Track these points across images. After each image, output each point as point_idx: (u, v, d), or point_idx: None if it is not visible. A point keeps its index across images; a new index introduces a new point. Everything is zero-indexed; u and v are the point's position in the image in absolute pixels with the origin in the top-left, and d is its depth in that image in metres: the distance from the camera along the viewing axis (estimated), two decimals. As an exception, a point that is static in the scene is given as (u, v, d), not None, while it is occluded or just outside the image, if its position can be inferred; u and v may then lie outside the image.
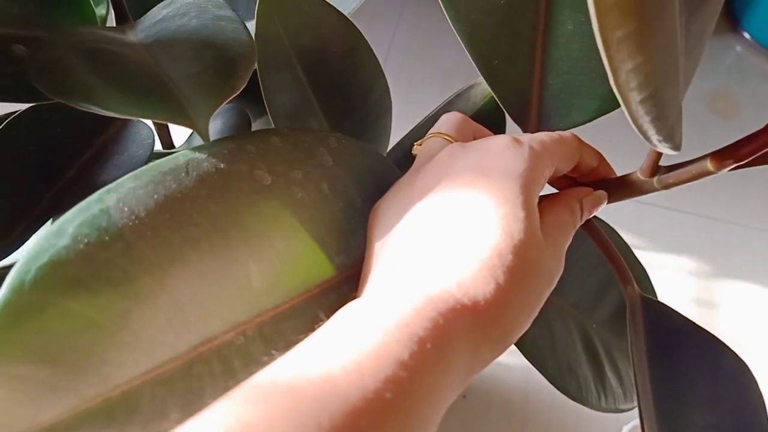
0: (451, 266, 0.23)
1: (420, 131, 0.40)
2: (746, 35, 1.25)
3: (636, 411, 0.32)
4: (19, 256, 0.21)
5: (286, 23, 0.33)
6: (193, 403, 0.22)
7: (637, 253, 0.48)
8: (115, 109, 0.27)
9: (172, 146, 0.51)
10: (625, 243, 0.47)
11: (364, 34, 0.37)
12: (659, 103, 0.17)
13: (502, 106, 0.34)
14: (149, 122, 0.44)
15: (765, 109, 1.16)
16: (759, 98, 1.18)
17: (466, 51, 0.33)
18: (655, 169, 0.28)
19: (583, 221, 0.30)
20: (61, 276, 0.21)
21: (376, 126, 0.40)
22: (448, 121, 0.32)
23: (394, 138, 0.43)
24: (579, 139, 0.30)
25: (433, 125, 0.32)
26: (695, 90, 1.17)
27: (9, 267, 0.21)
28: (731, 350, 0.32)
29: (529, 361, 0.42)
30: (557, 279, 0.26)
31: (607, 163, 0.32)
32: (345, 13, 0.35)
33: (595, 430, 0.79)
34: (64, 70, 0.30)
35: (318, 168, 0.28)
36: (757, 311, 0.93)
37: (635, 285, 0.32)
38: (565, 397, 0.43)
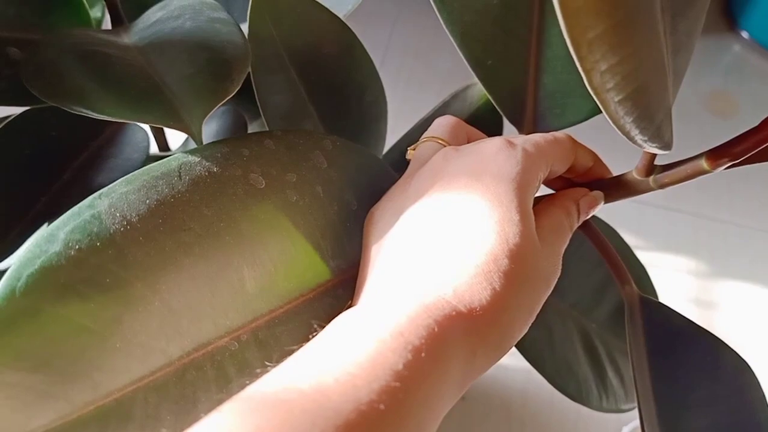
0: (446, 272, 0.23)
1: (417, 133, 0.40)
2: (744, 34, 1.25)
3: (635, 412, 0.32)
4: (14, 261, 0.21)
5: (279, 24, 0.33)
6: (187, 409, 0.22)
7: (637, 253, 0.48)
8: (109, 113, 0.27)
9: (168, 149, 0.51)
10: (625, 243, 0.47)
11: (360, 35, 0.36)
12: (641, 103, 0.17)
13: (497, 106, 0.34)
14: (145, 125, 0.43)
15: (764, 108, 1.16)
16: (757, 97, 1.18)
17: (458, 51, 0.33)
18: (651, 168, 0.28)
19: (580, 222, 0.30)
20: (52, 282, 0.20)
21: (371, 128, 0.40)
22: (441, 124, 0.31)
23: (392, 139, 0.43)
24: (573, 139, 0.29)
25: (428, 127, 0.32)
26: (693, 90, 1.17)
27: (5, 271, 0.21)
28: (731, 349, 0.32)
29: (528, 362, 0.42)
30: (555, 282, 0.26)
31: (603, 163, 0.31)
32: (342, 14, 0.35)
33: (594, 431, 0.79)
34: (59, 73, 0.29)
35: (313, 171, 0.28)
36: (755, 311, 0.92)
37: (633, 285, 0.32)
38: (565, 399, 0.43)
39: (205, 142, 0.26)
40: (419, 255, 0.24)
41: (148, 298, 0.22)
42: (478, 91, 0.42)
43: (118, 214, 0.22)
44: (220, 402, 0.19)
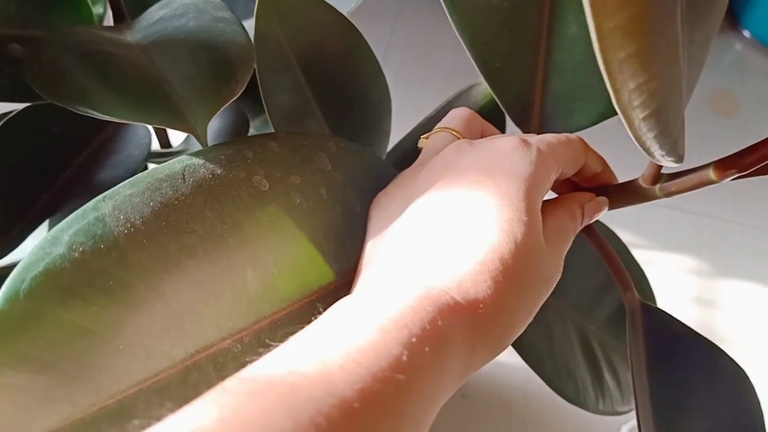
0: (452, 266, 0.23)
1: (419, 132, 0.40)
2: (746, 33, 1.25)
3: (634, 411, 0.32)
4: (17, 257, 0.21)
5: (284, 23, 0.32)
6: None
7: (637, 251, 0.48)
8: (113, 114, 0.27)
9: (170, 146, 0.51)
10: (623, 244, 0.47)
11: (361, 33, 0.36)
12: (662, 119, 0.17)
13: (503, 109, 0.34)
14: (147, 122, 0.43)
15: (766, 107, 1.16)
16: (760, 96, 1.18)
17: (467, 53, 0.32)
18: (658, 177, 0.28)
19: (583, 226, 0.30)
20: (55, 285, 0.20)
21: (375, 127, 0.39)
22: (457, 116, 0.31)
23: (393, 137, 0.43)
24: (585, 142, 0.29)
25: (433, 125, 0.32)
26: (696, 89, 1.16)
27: (7, 267, 0.21)
28: (729, 357, 0.32)
29: (528, 364, 0.42)
30: (555, 283, 0.26)
31: (610, 169, 0.31)
32: (344, 12, 0.35)
33: (595, 430, 0.79)
34: (61, 72, 0.29)
35: (316, 173, 0.28)
36: (757, 310, 0.93)
37: (635, 291, 0.32)
38: (565, 397, 0.43)
39: (207, 139, 0.26)
40: (425, 246, 0.24)
41: (151, 301, 0.22)
42: (483, 90, 0.42)
43: (121, 217, 0.22)
44: None
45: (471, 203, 0.24)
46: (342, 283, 0.27)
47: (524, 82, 0.33)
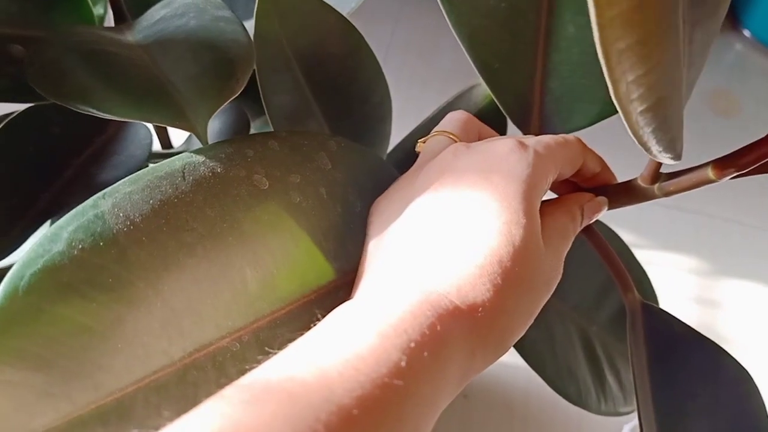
0: (451, 270, 0.23)
1: (420, 132, 0.40)
2: (747, 33, 1.25)
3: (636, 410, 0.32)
4: (18, 257, 0.21)
5: (285, 23, 0.32)
6: (187, 410, 0.22)
7: (637, 251, 0.48)
8: (114, 112, 0.27)
9: (171, 146, 0.51)
10: (625, 245, 0.47)
11: (362, 33, 0.36)
12: (660, 114, 0.17)
13: (503, 110, 0.34)
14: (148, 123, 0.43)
15: (766, 107, 1.16)
16: (760, 96, 1.18)
17: (466, 54, 0.32)
18: (656, 176, 0.28)
19: (582, 227, 0.30)
20: (54, 282, 0.20)
21: (376, 129, 0.39)
22: (454, 119, 0.31)
23: (394, 137, 0.43)
24: (583, 143, 0.29)
25: (433, 126, 0.32)
26: (695, 88, 1.16)
27: (7, 268, 0.21)
28: (732, 357, 0.32)
29: (529, 365, 0.42)
30: (555, 285, 0.26)
31: (609, 169, 0.31)
32: (344, 13, 0.35)
33: (598, 429, 0.79)
34: (62, 71, 0.29)
35: (316, 172, 0.28)
36: (757, 310, 0.92)
37: (635, 292, 0.32)
38: (567, 396, 0.43)
39: (208, 140, 0.26)
40: (423, 250, 0.24)
41: (150, 299, 0.22)
42: (483, 91, 0.42)
43: (121, 214, 0.22)
44: None
45: (469, 206, 0.24)
46: (341, 283, 0.27)
47: (523, 83, 0.33)
